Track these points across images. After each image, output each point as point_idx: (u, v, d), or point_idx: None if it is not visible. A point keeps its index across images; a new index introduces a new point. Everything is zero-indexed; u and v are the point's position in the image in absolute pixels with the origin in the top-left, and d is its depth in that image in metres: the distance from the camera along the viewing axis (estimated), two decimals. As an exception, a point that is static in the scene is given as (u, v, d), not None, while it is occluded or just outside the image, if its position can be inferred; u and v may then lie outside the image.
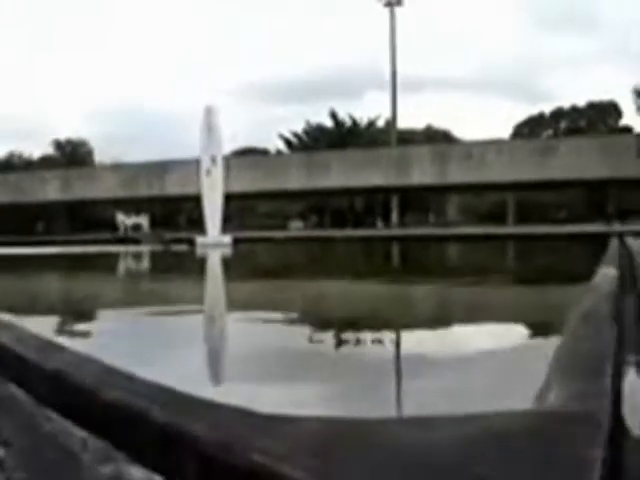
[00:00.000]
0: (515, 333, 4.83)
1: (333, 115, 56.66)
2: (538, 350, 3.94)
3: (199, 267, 14.86)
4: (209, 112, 24.19)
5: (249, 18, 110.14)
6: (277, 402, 2.73)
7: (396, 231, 34.56)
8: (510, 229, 34.26)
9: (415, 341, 4.64)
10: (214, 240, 23.16)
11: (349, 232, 30.23)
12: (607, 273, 5.15)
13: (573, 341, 1.77)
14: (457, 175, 35.21)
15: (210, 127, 23.94)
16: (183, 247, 22.36)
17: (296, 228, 47.65)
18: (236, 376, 3.55)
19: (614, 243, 10.69)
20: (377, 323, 5.31)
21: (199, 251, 21.06)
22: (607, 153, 32.85)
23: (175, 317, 5.71)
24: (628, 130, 54.20)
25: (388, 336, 4.85)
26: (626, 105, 59.88)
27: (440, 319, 5.83)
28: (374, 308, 6.41)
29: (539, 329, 4.88)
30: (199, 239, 23.48)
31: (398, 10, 48.08)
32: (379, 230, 37.80)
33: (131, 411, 1.29)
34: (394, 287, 8.78)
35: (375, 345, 4.35)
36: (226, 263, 15.82)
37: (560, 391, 1.33)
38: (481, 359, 3.74)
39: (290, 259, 17.33)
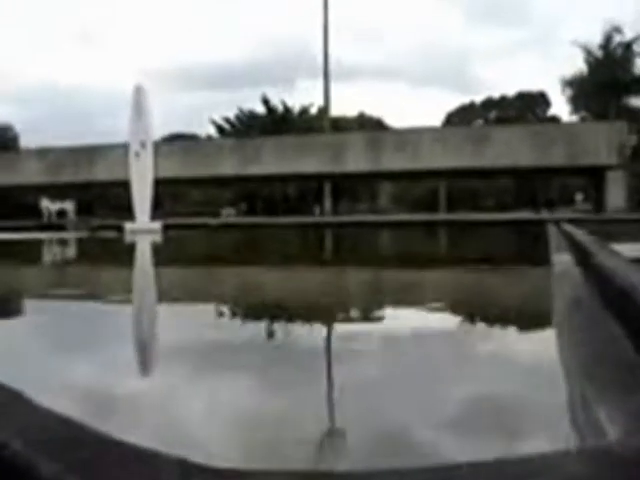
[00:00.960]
0: (461, 318, 4.61)
1: (265, 101, 56.05)
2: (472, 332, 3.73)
3: (126, 254, 14.27)
4: (138, 92, 23.36)
5: (179, 1, 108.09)
6: (197, 393, 2.71)
7: (331, 218, 34.31)
8: (446, 216, 34.38)
9: (348, 325, 4.51)
10: (143, 226, 22.44)
11: (284, 219, 29.79)
12: (563, 260, 4.93)
13: (586, 342, 1.46)
14: (391, 162, 35.15)
15: (139, 107, 23.14)
16: (111, 234, 21.58)
17: (228, 215, 46.93)
18: (158, 369, 3.36)
19: (553, 230, 10.60)
20: (310, 307, 5.23)
21: (127, 238, 20.34)
22: (537, 142, 33.26)
23: (98, 306, 5.47)
24: (556, 120, 55.27)
25: (320, 320, 4.73)
26: (554, 95, 60.99)
27: (381, 303, 5.62)
28: (308, 293, 6.28)
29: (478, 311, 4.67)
30: (127, 225, 22.72)
31: (332, -4, 47.69)
32: (315, 217, 37.45)
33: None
34: (329, 272, 8.54)
35: (306, 330, 4.31)
36: (155, 250, 15.25)
37: (610, 412, 0.97)
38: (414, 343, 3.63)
39: (222, 246, 16.84)
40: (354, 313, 5.23)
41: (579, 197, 41.13)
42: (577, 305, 1.93)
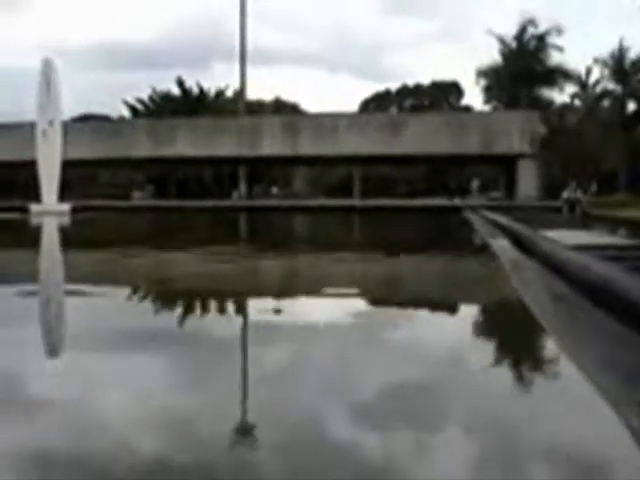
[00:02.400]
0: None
1: (180, 83, 54.83)
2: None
3: (31, 236, 13.56)
4: (47, 65, 22.30)
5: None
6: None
7: (246, 202, 33.82)
8: (363, 202, 34.37)
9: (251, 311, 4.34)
10: (50, 208, 21.52)
11: (197, 203, 29.15)
12: (502, 245, 4.77)
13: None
14: (307, 147, 34.92)
15: (48, 83, 22.10)
16: (15, 215, 20.58)
17: (140, 198, 45.77)
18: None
19: (474, 216, 10.56)
20: (218, 293, 5.13)
21: (34, 219, 19.45)
22: (453, 130, 33.64)
23: None
24: (469, 109, 56.13)
25: (230, 307, 4.66)
26: (468, 85, 61.92)
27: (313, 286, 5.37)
28: (218, 278, 6.11)
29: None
30: (34, 207, 21.76)
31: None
32: (230, 201, 36.87)
33: None
34: (241, 259, 8.25)
35: (211, 315, 4.24)
36: (62, 232, 14.56)
37: None
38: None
39: (133, 229, 16.26)
40: (260, 297, 5.01)
41: (475, 183, 41.67)
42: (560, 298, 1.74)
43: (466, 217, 11.20)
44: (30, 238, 12.90)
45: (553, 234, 5.49)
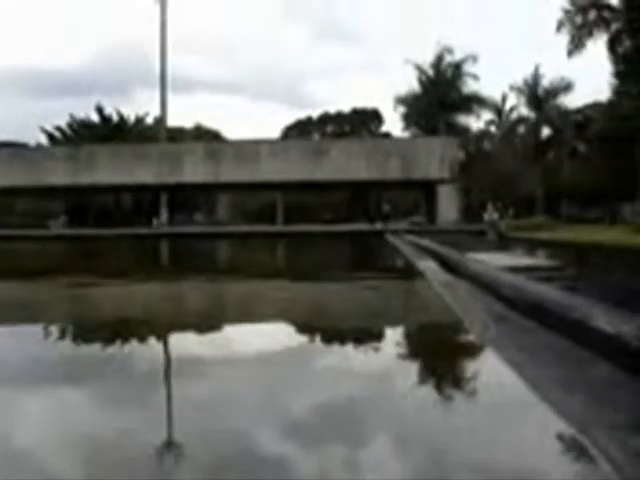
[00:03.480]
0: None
1: (99, 110, 54.06)
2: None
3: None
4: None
5: (12, 3, 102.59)
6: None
7: (166, 230, 33.39)
8: (286, 228, 34.37)
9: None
10: (-37, 238, 20.77)
11: (117, 231, 28.61)
12: (430, 267, 4.81)
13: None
14: (229, 173, 34.83)
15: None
16: None
17: (57, 227, 44.64)
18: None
19: (397, 240, 10.67)
20: (139, 322, 5.02)
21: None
22: (373, 156, 34.10)
23: None
24: (389, 136, 57.10)
25: (153, 335, 4.51)
26: (387, 112, 63.01)
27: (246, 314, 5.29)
28: (140, 307, 6.00)
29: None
30: (-55, 236, 20.96)
31: (171, 5, 46.82)
32: (150, 229, 36.30)
33: None
34: (163, 286, 8.14)
35: (129, 344, 4.18)
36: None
37: None
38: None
39: (49, 259, 15.82)
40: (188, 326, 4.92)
41: (386, 207, 42.26)
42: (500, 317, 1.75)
43: (390, 241, 11.30)
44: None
45: (480, 256, 5.58)
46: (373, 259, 13.10)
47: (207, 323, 5.04)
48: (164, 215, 41.45)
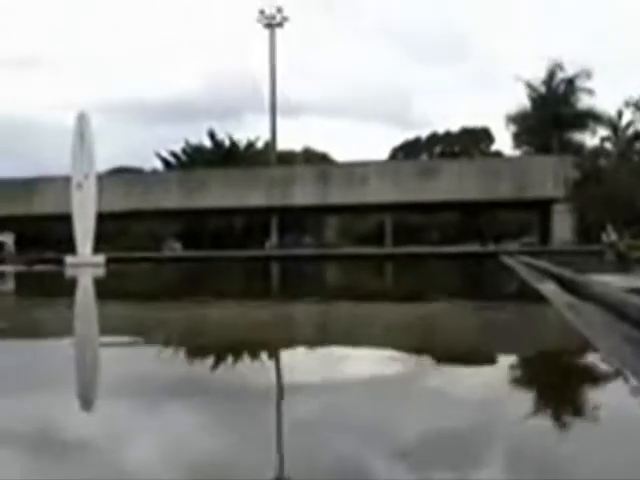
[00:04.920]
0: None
1: (212, 135, 55.57)
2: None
3: (64, 289, 13.58)
4: (81, 120, 22.69)
5: (129, 33, 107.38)
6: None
7: (279, 252, 33.77)
8: (397, 249, 34.18)
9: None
10: (85, 260, 21.64)
11: (230, 253, 29.16)
12: (550, 288, 4.60)
13: None
14: (338, 196, 34.97)
15: (82, 136, 22.44)
16: (51, 267, 20.71)
17: (172, 249, 46.02)
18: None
19: (512, 261, 10.36)
20: (256, 343, 4.94)
21: (68, 271, 19.54)
22: (484, 176, 33.51)
23: (31, 344, 4.98)
24: (500, 154, 56.01)
25: (265, 358, 4.50)
26: (497, 131, 61.90)
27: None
28: (257, 329, 5.92)
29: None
30: (68, 259, 21.89)
31: (279, 32, 47.78)
32: (264, 251, 36.83)
33: None
34: (279, 308, 8.13)
35: (248, 365, 4.13)
36: (97, 284, 14.57)
37: None
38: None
39: (168, 280, 16.25)
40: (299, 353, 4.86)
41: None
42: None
43: (505, 262, 10.98)
44: (66, 290, 12.91)
45: (603, 277, 5.31)
46: (490, 281, 12.73)
47: (327, 344, 5.01)
48: (274, 238, 42.04)
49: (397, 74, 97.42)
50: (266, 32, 47.57)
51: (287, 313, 7.41)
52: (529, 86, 45.46)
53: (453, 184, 33.38)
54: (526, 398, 3.04)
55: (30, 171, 51.00)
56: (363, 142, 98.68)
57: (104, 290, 12.90)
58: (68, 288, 13.56)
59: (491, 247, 34.56)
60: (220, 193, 36.12)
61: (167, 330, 6.09)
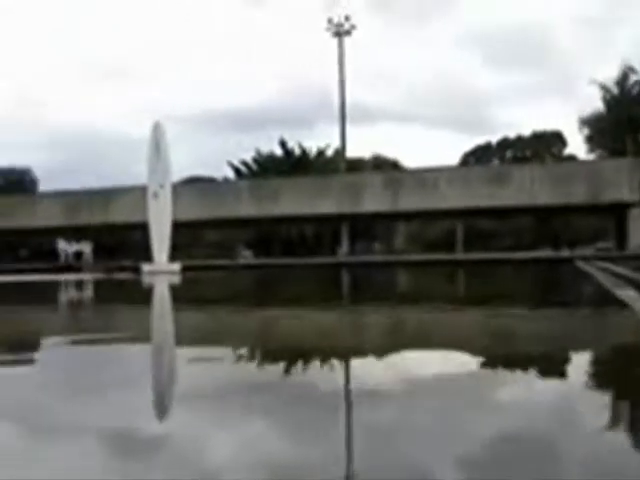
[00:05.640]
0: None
1: (283, 144, 56.13)
2: None
3: (142, 295, 13.95)
4: (157, 129, 23.28)
5: (201, 44, 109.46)
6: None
7: (352, 258, 33.86)
8: (470, 255, 33.88)
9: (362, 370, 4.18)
10: (161, 268, 22.17)
11: (305, 260, 29.38)
12: (631, 294, 4.56)
13: None
14: (409, 202, 34.86)
15: (158, 145, 23.01)
16: (128, 275, 21.28)
17: (245, 257, 46.61)
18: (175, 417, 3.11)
19: (590, 268, 10.20)
20: (333, 351, 4.95)
21: (145, 279, 20.03)
22: (557, 180, 32.93)
23: (115, 350, 5.15)
24: (573, 158, 54.95)
25: (338, 365, 4.48)
26: (570, 135, 60.78)
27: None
28: (333, 336, 6.00)
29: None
30: (145, 267, 22.45)
31: (347, 40, 48.03)
32: (337, 258, 36.93)
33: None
34: (354, 315, 8.18)
35: (321, 373, 4.10)
36: (174, 291, 14.92)
37: None
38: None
39: (243, 287, 16.49)
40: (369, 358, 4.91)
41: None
42: None
43: (581, 268, 10.81)
44: (145, 298, 13.25)
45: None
46: (568, 287, 12.49)
47: (412, 348, 5.05)
48: (345, 245, 42.16)
49: (467, 78, 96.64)
50: (335, 40, 47.91)
51: (371, 319, 7.47)
52: (602, 88, 44.57)
53: (525, 189, 32.90)
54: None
55: (106, 180, 52.46)
56: (433, 148, 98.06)
57: (184, 297, 13.21)
58: (150, 295, 13.93)
59: (565, 252, 33.89)
60: (291, 201, 36.43)
61: (256, 335, 6.21)
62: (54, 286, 17.47)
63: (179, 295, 13.69)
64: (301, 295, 12.12)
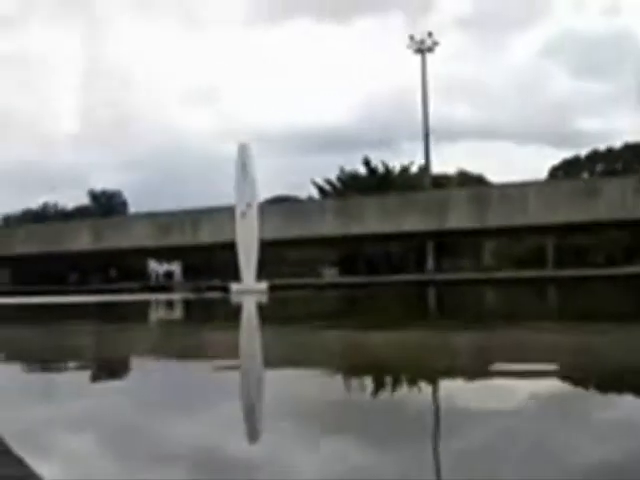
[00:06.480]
0: None
1: (366, 162, 56.18)
2: None
3: (234, 315, 14.09)
4: (243, 150, 23.64)
5: (284, 65, 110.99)
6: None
7: (439, 276, 33.47)
8: (559, 272, 32.98)
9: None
10: (249, 287, 22.41)
11: (392, 278, 29.19)
12: None
13: None
14: (496, 218, 34.23)
15: (244, 165, 23.36)
16: (217, 294, 21.59)
17: (330, 275, 46.70)
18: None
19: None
20: (434, 371, 4.94)
21: (234, 298, 20.29)
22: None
23: (210, 369, 5.21)
24: (668, 171, 52.98)
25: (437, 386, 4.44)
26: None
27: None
28: (431, 359, 5.89)
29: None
30: (234, 286, 22.74)
31: (430, 57, 47.82)
32: (425, 275, 36.54)
33: None
34: (453, 335, 8.02)
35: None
36: (263, 310, 15.02)
37: None
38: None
39: (333, 306, 16.48)
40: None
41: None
42: None
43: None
44: (236, 316, 13.37)
45: None
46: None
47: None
48: (431, 262, 41.75)
49: (552, 91, 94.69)
50: (417, 57, 47.74)
51: (480, 341, 7.32)
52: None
53: (617, 202, 31.84)
54: None
55: (194, 201, 53.47)
56: (519, 163, 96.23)
57: (275, 316, 13.26)
58: (242, 314, 14.07)
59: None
60: (376, 219, 36.29)
61: (360, 356, 6.15)
62: (150, 305, 17.89)
63: (272, 314, 13.76)
64: (394, 314, 12.00)
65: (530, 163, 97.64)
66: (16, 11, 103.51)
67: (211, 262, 53.18)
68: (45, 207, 62.18)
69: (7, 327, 11.26)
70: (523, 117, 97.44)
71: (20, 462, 2.08)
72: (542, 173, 66.50)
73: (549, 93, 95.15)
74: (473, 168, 66.67)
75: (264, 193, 48.18)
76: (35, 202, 63.19)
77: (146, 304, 18.55)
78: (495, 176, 67.85)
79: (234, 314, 14.50)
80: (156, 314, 15.57)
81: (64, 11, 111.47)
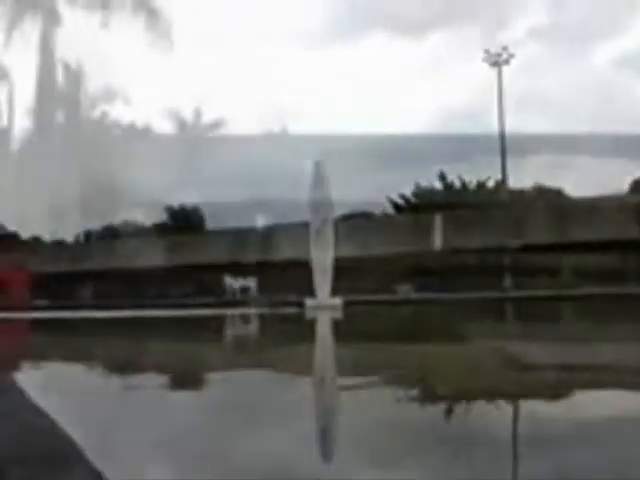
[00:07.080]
0: None
1: (442, 177, 55.75)
2: None
3: (310, 331, 14.09)
4: (318, 167, 23.75)
5: (357, 79, 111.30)
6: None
7: (519, 293, 32.80)
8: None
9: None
10: (324, 302, 22.41)
11: (468, 294, 28.77)
12: None
13: None
14: (576, 233, 33.48)
15: (319, 181, 23.46)
16: (292, 310, 21.68)
17: (404, 292, 46.30)
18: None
19: None
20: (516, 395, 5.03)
21: (308, 314, 20.35)
22: None
23: (288, 385, 5.21)
24: None
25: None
26: None
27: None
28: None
29: None
30: (309, 302, 22.79)
31: (506, 70, 47.30)
32: (507, 292, 35.83)
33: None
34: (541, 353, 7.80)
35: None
36: (339, 327, 14.99)
37: None
38: None
39: (410, 323, 16.34)
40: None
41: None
42: None
43: None
44: (312, 332, 13.37)
45: None
46: None
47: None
48: (508, 278, 41.00)
49: (631, 103, 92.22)
50: (493, 71, 47.25)
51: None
52: None
53: None
54: None
55: (269, 216, 53.87)
56: (598, 176, 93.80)
57: (359, 332, 13.14)
58: (317, 331, 14.05)
59: None
60: (451, 234, 35.94)
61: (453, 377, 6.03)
62: (227, 320, 18.12)
63: (346, 332, 13.70)
64: (492, 332, 11.75)
65: (610, 176, 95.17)
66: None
67: (286, 277, 53.39)
68: (124, 225, 63.70)
69: (132, 343, 11.46)
70: (602, 129, 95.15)
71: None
72: (623, 186, 64.61)
73: (627, 105, 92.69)
74: (551, 182, 65.26)
75: (339, 208, 48.27)
76: (115, 219, 64.66)
77: (228, 319, 18.87)
78: (573, 190, 66.36)
79: (310, 330, 14.49)
80: (239, 329, 15.75)
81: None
